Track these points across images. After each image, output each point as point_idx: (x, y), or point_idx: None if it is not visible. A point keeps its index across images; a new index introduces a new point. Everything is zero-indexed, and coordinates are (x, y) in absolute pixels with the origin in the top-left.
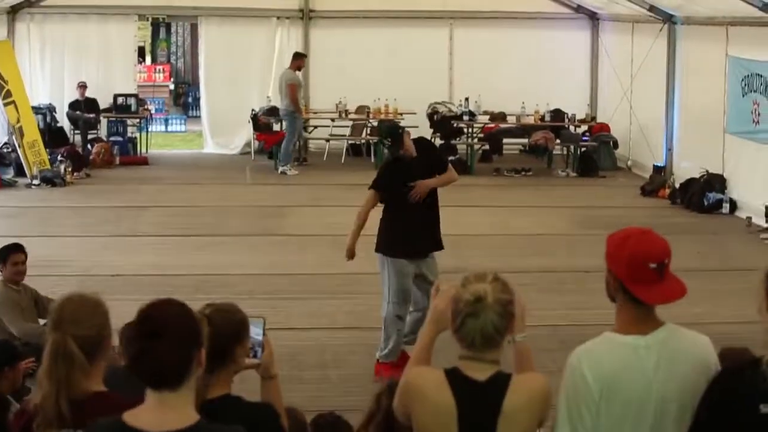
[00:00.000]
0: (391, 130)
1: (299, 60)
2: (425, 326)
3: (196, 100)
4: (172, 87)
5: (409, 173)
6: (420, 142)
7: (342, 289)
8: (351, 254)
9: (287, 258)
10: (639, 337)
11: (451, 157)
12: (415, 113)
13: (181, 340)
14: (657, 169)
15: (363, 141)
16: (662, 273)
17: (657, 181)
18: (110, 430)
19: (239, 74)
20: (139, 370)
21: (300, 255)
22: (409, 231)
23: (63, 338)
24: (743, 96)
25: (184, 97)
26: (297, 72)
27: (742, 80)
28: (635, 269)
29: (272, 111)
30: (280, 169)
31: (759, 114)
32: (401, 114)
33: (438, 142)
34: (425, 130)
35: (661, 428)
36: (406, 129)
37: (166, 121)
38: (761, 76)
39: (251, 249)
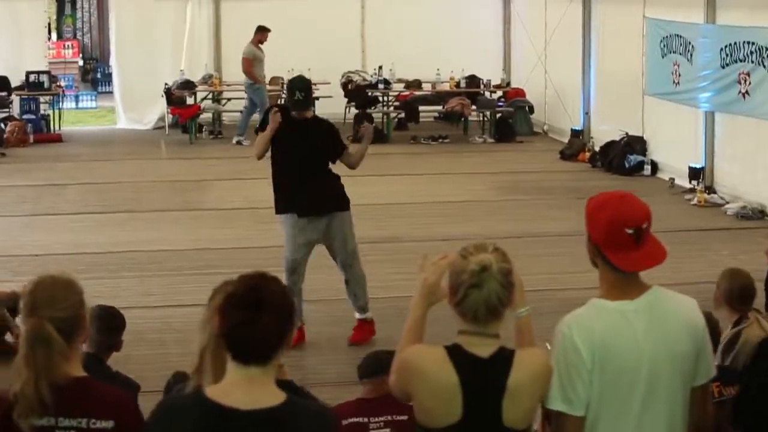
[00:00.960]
0: (305, 83)
1: (260, 34)
2: (415, 300)
3: (106, 75)
4: (81, 63)
5: (293, 131)
6: (321, 120)
7: (271, 263)
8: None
9: (212, 232)
10: (627, 302)
11: (366, 124)
12: (329, 83)
13: (281, 315)
14: (575, 133)
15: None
16: (640, 238)
17: (576, 145)
18: (194, 407)
19: (151, 48)
20: (238, 341)
21: (225, 229)
22: (295, 185)
23: (39, 322)
24: (662, 57)
25: (93, 73)
26: (259, 45)
27: (661, 41)
28: (612, 234)
29: (186, 84)
30: (235, 139)
31: (680, 75)
32: (315, 84)
33: (353, 111)
34: (340, 100)
35: (653, 392)
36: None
37: (77, 97)
38: (681, 37)
39: (174, 224)
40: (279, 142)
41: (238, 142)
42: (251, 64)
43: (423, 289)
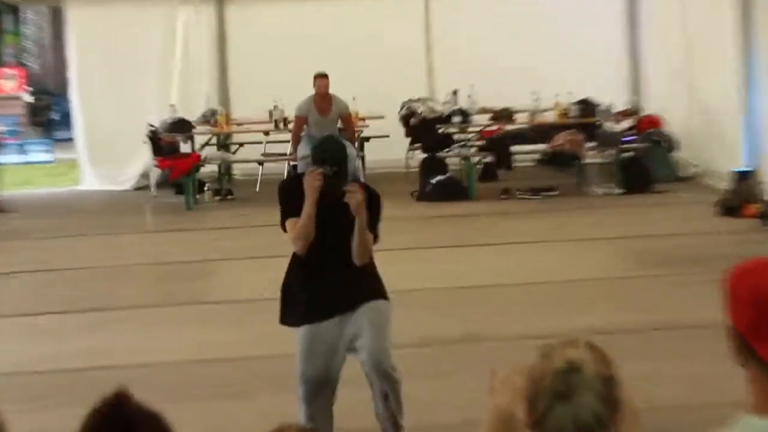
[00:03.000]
0: (337, 151)
1: (315, 80)
2: None
3: (65, 116)
4: (28, 99)
5: (327, 214)
6: (366, 189)
7: None
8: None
9: (223, 335)
10: None
11: (439, 177)
12: (382, 117)
13: None
14: (739, 177)
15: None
16: None
17: (740, 194)
18: None
19: (128, 76)
20: None
21: (240, 329)
22: (318, 280)
23: None
24: None
25: (46, 114)
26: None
27: None
28: (763, 320)
29: (179, 125)
30: None
31: None
32: (363, 119)
33: (419, 155)
34: (399, 141)
35: None
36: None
37: (23, 147)
38: None
39: (166, 325)
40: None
41: None
42: (297, 122)
43: (493, 420)
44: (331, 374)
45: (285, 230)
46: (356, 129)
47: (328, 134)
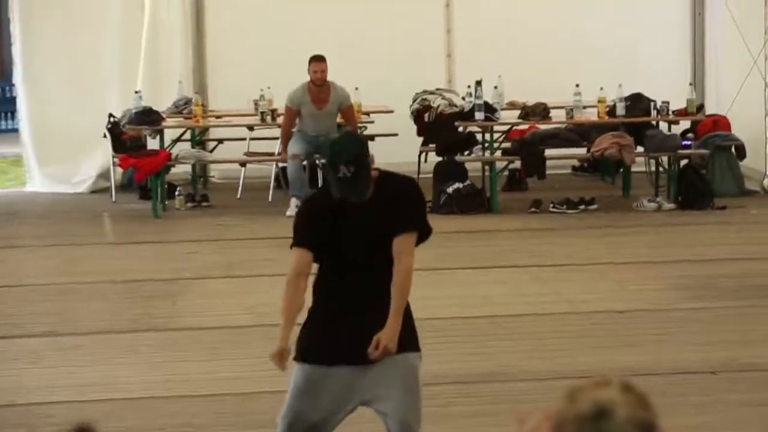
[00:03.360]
0: (354, 148)
1: (310, 64)
2: None
3: (6, 102)
4: None
5: (345, 224)
6: (394, 181)
7: None
8: (278, 362)
9: (193, 367)
10: None
11: (456, 185)
12: (391, 111)
13: None
14: None
15: (305, 162)
16: None
17: None
18: None
19: (83, 56)
20: None
21: (215, 361)
22: (335, 315)
23: None
24: None
25: None
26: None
27: None
28: None
29: (146, 116)
30: (291, 206)
31: None
32: (367, 114)
33: (434, 158)
34: (411, 140)
35: None
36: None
37: None
38: None
39: (127, 354)
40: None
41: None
42: (288, 114)
43: None
44: (326, 426)
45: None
46: (359, 125)
47: (345, 131)
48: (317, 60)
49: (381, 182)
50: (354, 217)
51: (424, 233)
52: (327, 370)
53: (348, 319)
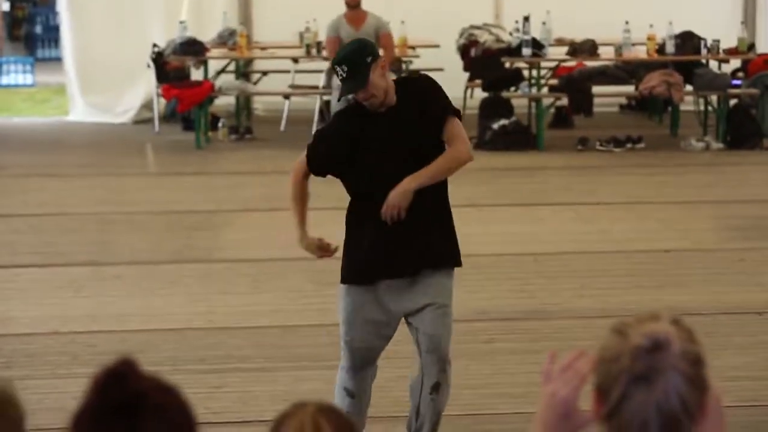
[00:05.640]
0: (351, 54)
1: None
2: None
3: (49, 30)
4: (5, 8)
5: (375, 137)
6: (410, 82)
7: (336, 352)
8: (310, 246)
9: (235, 299)
10: None
11: (502, 121)
12: (437, 46)
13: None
14: None
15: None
16: None
17: None
18: None
19: None
20: None
21: (257, 294)
22: (376, 238)
23: None
24: None
25: (28, 27)
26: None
27: None
28: None
29: (190, 47)
30: None
31: None
32: (413, 48)
33: (480, 94)
34: (457, 75)
35: None
36: (380, 57)
37: None
38: None
39: (169, 286)
40: (356, 164)
41: None
42: (330, 44)
43: (549, 413)
44: (380, 343)
45: (297, 165)
46: (404, 58)
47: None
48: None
49: (399, 88)
50: (383, 127)
51: (456, 115)
52: (371, 290)
53: (386, 238)
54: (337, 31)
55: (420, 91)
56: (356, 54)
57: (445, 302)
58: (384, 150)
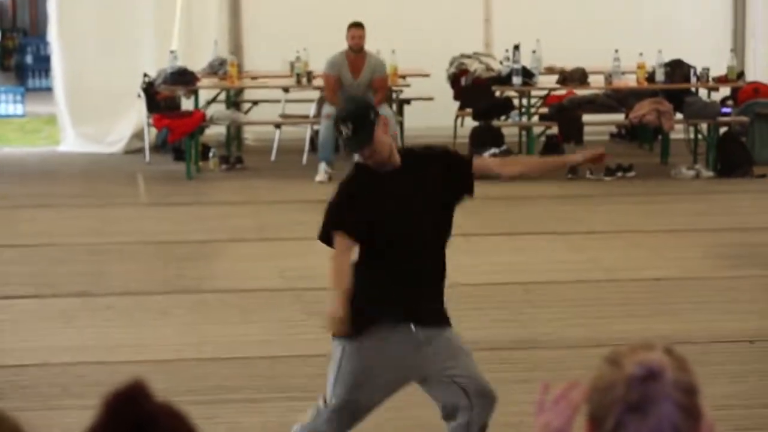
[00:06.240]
0: (356, 111)
1: (348, 30)
2: None
3: (41, 60)
4: None
5: (386, 195)
6: (414, 149)
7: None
8: (341, 328)
9: (226, 330)
10: None
11: (493, 150)
12: (428, 75)
13: None
14: None
15: None
16: None
17: None
18: None
19: (120, 14)
20: None
21: (248, 324)
22: (393, 286)
23: None
24: None
25: (18, 57)
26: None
27: None
28: None
29: (181, 77)
30: (321, 171)
31: None
32: (404, 77)
33: (470, 123)
34: (447, 104)
35: None
36: (386, 115)
37: None
38: None
39: (159, 317)
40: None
41: (329, 177)
42: (326, 80)
43: None
44: (374, 406)
45: (326, 242)
46: (396, 88)
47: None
48: (355, 26)
49: (404, 155)
50: (390, 185)
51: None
52: (388, 339)
53: (399, 292)
54: (338, 71)
55: (430, 154)
56: (361, 110)
57: (467, 348)
58: (401, 208)
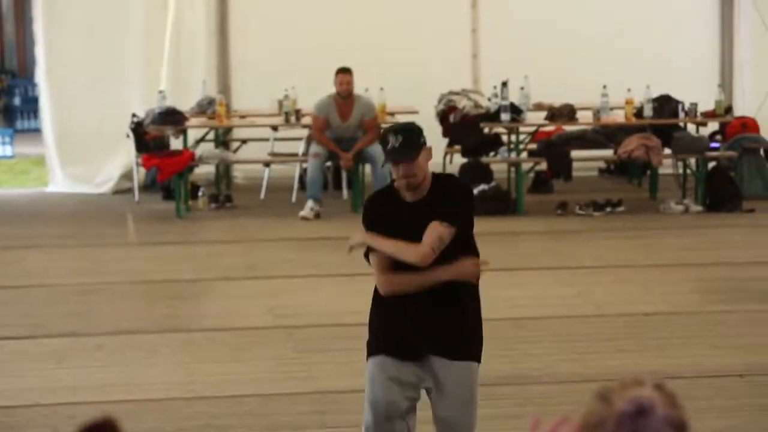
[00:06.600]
0: (410, 127)
1: (336, 76)
2: None
3: (29, 101)
4: None
5: (403, 223)
6: (444, 178)
7: (318, 421)
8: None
9: (216, 369)
10: None
11: (482, 186)
12: (416, 112)
13: None
14: None
15: (329, 163)
16: None
17: None
18: None
19: (108, 55)
20: None
21: (239, 363)
22: (402, 315)
23: None
24: None
25: (6, 98)
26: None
27: None
28: None
29: (169, 116)
30: (307, 207)
31: None
32: (392, 114)
33: (459, 160)
34: (436, 141)
35: None
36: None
37: None
38: None
39: (149, 356)
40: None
41: (315, 214)
42: (315, 123)
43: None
44: (404, 405)
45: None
46: (384, 125)
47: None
48: (343, 72)
49: (435, 183)
50: (412, 214)
51: (461, 232)
52: (398, 362)
53: (413, 308)
54: (327, 114)
55: (454, 192)
56: (414, 131)
57: (471, 396)
58: (416, 237)
